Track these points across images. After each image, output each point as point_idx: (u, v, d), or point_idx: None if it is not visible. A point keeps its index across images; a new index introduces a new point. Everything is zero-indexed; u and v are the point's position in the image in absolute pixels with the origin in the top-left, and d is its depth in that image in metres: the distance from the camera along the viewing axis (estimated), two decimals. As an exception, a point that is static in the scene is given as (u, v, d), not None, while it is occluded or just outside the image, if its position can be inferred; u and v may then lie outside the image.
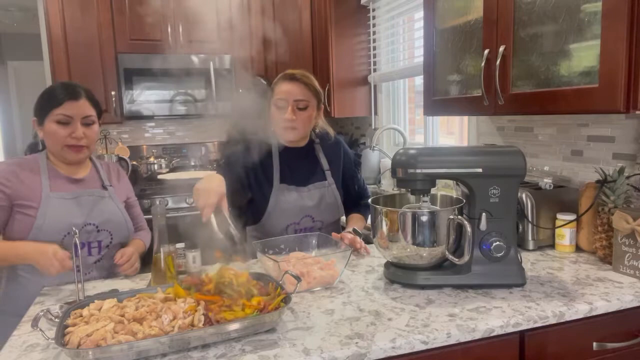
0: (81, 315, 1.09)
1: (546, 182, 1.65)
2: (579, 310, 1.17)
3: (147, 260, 1.53)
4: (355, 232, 1.71)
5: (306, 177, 1.76)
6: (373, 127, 3.41)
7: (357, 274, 1.47)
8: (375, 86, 3.36)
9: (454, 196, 1.48)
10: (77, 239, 1.28)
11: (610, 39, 1.20)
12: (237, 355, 0.99)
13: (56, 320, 1.09)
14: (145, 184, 3.45)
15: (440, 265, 1.36)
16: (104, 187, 1.64)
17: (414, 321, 1.12)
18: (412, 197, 1.47)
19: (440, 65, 1.91)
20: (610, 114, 1.60)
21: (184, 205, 3.14)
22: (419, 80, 2.83)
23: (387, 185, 3.11)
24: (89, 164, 1.67)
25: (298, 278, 1.19)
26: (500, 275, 1.30)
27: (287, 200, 1.71)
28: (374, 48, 3.29)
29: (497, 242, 1.28)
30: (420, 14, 2.62)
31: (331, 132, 1.86)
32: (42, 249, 1.38)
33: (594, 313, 1.19)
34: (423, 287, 1.32)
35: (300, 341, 1.04)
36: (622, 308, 1.22)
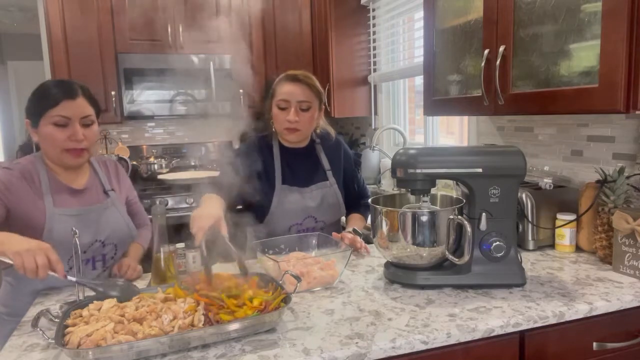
0: (81, 315, 1.09)
1: (546, 182, 1.65)
2: (579, 310, 1.17)
3: (147, 260, 1.53)
4: (355, 232, 1.71)
5: (308, 177, 1.77)
6: (373, 127, 3.41)
7: (357, 274, 1.47)
8: (375, 86, 3.36)
9: (454, 196, 1.48)
10: (77, 239, 1.28)
11: (610, 39, 1.20)
12: (237, 355, 0.99)
13: (56, 320, 1.09)
14: (145, 184, 3.45)
15: (440, 265, 1.36)
16: (106, 192, 1.56)
17: (414, 321, 1.12)
18: (412, 197, 1.47)
19: (440, 65, 1.91)
20: (610, 114, 1.60)
21: (184, 205, 3.14)
22: (419, 80, 2.83)
23: (387, 185, 3.11)
24: (88, 167, 1.57)
25: (298, 278, 1.19)
26: (500, 275, 1.30)
27: (290, 201, 1.71)
28: (374, 48, 3.29)
29: (497, 242, 1.28)
30: (420, 14, 2.62)
31: (332, 132, 1.86)
32: (27, 243, 1.16)
33: (594, 313, 1.19)
34: (423, 287, 1.31)
35: (300, 341, 1.04)
36: (622, 308, 1.22)
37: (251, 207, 1.72)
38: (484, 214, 1.29)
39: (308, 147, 1.80)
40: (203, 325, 1.04)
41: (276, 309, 1.09)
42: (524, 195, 1.61)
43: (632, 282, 1.33)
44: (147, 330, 1.01)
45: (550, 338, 1.19)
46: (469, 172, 1.28)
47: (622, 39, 1.17)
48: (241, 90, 3.47)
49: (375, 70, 3.31)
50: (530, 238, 1.62)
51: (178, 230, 1.51)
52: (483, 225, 1.29)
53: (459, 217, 1.28)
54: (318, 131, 1.83)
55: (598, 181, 1.50)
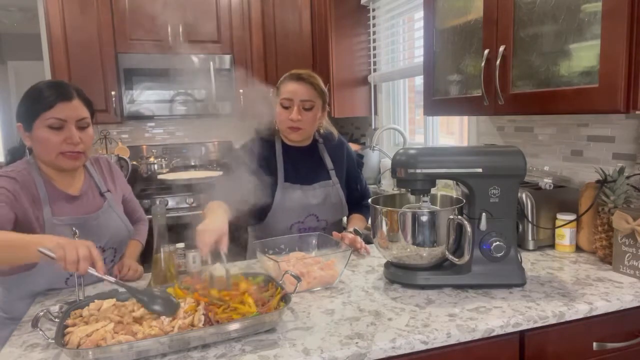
0: (81, 315, 1.09)
1: (546, 182, 1.65)
2: (579, 310, 1.17)
3: (147, 259, 1.53)
4: (355, 232, 1.71)
5: (311, 176, 1.77)
6: (373, 127, 3.41)
7: (357, 274, 1.47)
8: (375, 86, 3.36)
9: (454, 196, 1.48)
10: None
11: (610, 39, 1.20)
12: (237, 355, 0.99)
13: (56, 320, 1.09)
14: (145, 184, 3.45)
15: (440, 265, 1.36)
16: (102, 195, 1.54)
17: (414, 321, 1.12)
18: (412, 197, 1.47)
19: (440, 65, 1.91)
20: (610, 114, 1.60)
21: (184, 205, 3.14)
22: (419, 80, 2.83)
23: (387, 185, 3.11)
24: (82, 171, 1.53)
25: (298, 278, 1.19)
26: (500, 275, 1.30)
27: (292, 199, 1.71)
28: (374, 48, 3.29)
29: (497, 242, 1.28)
30: (420, 14, 2.62)
31: (335, 132, 1.87)
32: (71, 239, 1.15)
33: (594, 313, 1.19)
34: (423, 287, 1.31)
35: (300, 341, 1.04)
36: (622, 308, 1.22)
37: (253, 206, 1.72)
38: (484, 214, 1.29)
39: (311, 146, 1.81)
40: (203, 325, 1.04)
41: (276, 309, 1.09)
42: (524, 195, 1.61)
43: (632, 282, 1.33)
44: (147, 330, 1.01)
45: (550, 338, 1.19)
46: (469, 172, 1.28)
47: (622, 39, 1.17)
48: (241, 90, 3.48)
49: (375, 70, 3.31)
50: (530, 238, 1.62)
51: (178, 230, 1.51)
52: (483, 225, 1.29)
53: (459, 217, 1.28)
54: (321, 131, 1.84)
55: (598, 181, 1.50)
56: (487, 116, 2.18)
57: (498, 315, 1.14)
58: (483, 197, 1.29)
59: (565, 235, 1.59)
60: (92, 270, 1.10)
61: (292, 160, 1.76)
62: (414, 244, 1.29)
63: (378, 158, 3.23)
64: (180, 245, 1.50)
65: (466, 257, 1.26)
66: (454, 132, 2.90)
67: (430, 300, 1.24)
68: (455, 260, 1.28)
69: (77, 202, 1.47)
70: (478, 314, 1.15)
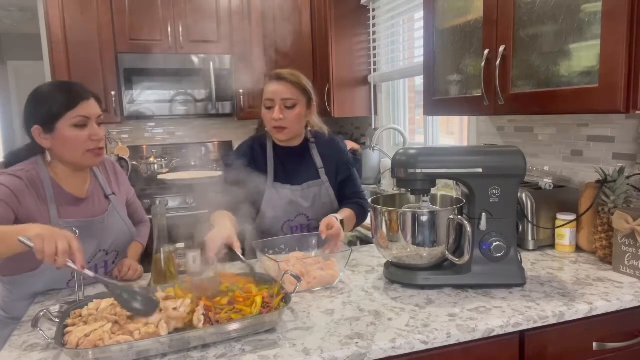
0: (80, 315, 1.09)
1: (546, 182, 1.65)
2: (579, 310, 1.17)
3: (147, 259, 1.53)
4: (341, 222, 1.66)
5: (300, 175, 1.77)
6: (373, 127, 3.41)
7: (357, 274, 1.47)
8: (375, 86, 3.36)
9: (454, 196, 1.48)
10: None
11: (610, 39, 1.20)
12: (237, 355, 0.99)
13: (56, 320, 1.09)
14: (145, 184, 3.45)
15: (440, 265, 1.36)
16: (107, 197, 1.54)
17: (414, 321, 1.12)
18: (412, 197, 1.47)
19: (440, 65, 1.91)
20: (610, 114, 1.60)
21: (184, 205, 3.14)
22: (419, 80, 2.83)
23: (387, 185, 3.11)
24: (88, 173, 1.53)
25: (298, 278, 1.19)
26: (500, 275, 1.30)
27: (280, 198, 1.72)
28: (374, 48, 3.29)
29: (497, 242, 1.28)
30: (420, 14, 2.62)
31: (325, 129, 1.86)
32: (51, 229, 1.13)
33: (594, 313, 1.19)
34: (423, 287, 1.31)
35: (300, 341, 1.04)
36: (622, 308, 1.22)
37: (245, 207, 1.72)
38: (484, 214, 1.29)
39: (302, 146, 1.81)
40: (203, 325, 1.04)
41: (276, 309, 1.09)
42: (524, 195, 1.61)
43: (632, 282, 1.33)
44: (144, 328, 1.01)
45: (550, 338, 1.18)
46: (469, 172, 1.28)
47: (622, 39, 1.17)
48: (241, 90, 3.48)
49: (375, 70, 3.31)
50: (530, 238, 1.62)
51: (178, 230, 1.51)
52: (483, 225, 1.29)
53: (459, 217, 1.28)
54: (312, 130, 1.83)
55: (598, 181, 1.50)
56: (487, 116, 2.18)
57: (498, 315, 1.14)
58: (483, 197, 1.29)
59: (565, 235, 1.59)
60: (70, 264, 1.08)
61: (281, 161, 1.76)
62: (414, 244, 1.29)
63: (378, 158, 3.23)
64: (180, 245, 1.51)
65: (466, 257, 1.26)
66: (454, 132, 2.90)
67: (430, 300, 1.24)
68: (455, 260, 1.28)
69: (84, 204, 1.47)
70: (478, 314, 1.15)
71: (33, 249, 1.07)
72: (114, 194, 1.57)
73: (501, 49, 1.52)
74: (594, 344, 1.23)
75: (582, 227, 1.58)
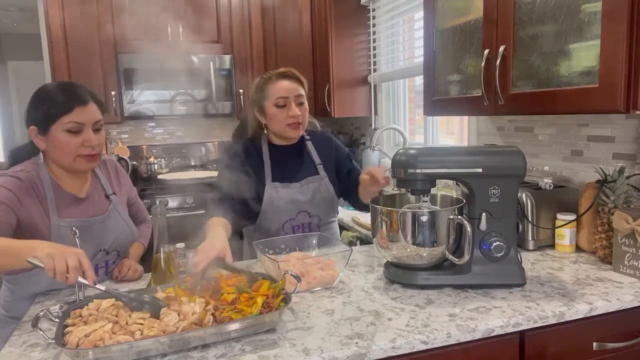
0: (80, 315, 1.09)
1: (546, 182, 1.65)
2: (579, 310, 1.17)
3: (147, 259, 1.53)
4: None
5: (298, 173, 1.77)
6: (373, 127, 3.41)
7: (357, 274, 1.47)
8: (375, 86, 3.36)
9: (454, 196, 1.48)
10: (77, 239, 1.28)
11: (610, 39, 1.20)
12: (237, 355, 0.99)
13: (56, 320, 1.09)
14: (145, 184, 3.45)
15: (440, 265, 1.36)
16: (107, 197, 1.54)
17: (414, 321, 1.12)
18: (412, 197, 1.47)
19: (440, 65, 1.91)
20: (610, 114, 1.60)
21: (184, 205, 3.14)
22: (419, 80, 2.83)
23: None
24: (89, 172, 1.53)
25: (298, 278, 1.19)
26: (500, 275, 1.30)
27: (280, 197, 1.72)
28: (374, 48, 3.29)
29: (497, 242, 1.28)
30: (420, 14, 2.62)
31: (316, 122, 1.88)
32: (60, 247, 1.14)
33: (594, 313, 1.19)
34: (423, 287, 1.31)
35: (300, 341, 1.04)
36: (622, 308, 1.22)
37: (244, 209, 1.72)
38: (484, 214, 1.29)
39: (298, 144, 1.81)
40: (212, 324, 1.04)
41: (276, 309, 1.09)
42: (524, 195, 1.61)
43: (632, 282, 1.33)
44: (146, 331, 1.01)
45: (550, 338, 1.19)
46: (469, 172, 1.28)
47: (622, 39, 1.17)
48: (241, 90, 3.48)
49: (375, 70, 3.31)
50: (530, 238, 1.62)
51: (178, 230, 1.51)
52: (483, 225, 1.29)
53: (459, 217, 1.28)
54: (307, 128, 1.84)
55: (598, 181, 1.50)
56: (487, 116, 2.18)
57: (498, 315, 1.14)
58: (483, 197, 1.29)
59: (565, 235, 1.59)
60: (82, 280, 1.10)
61: (278, 160, 1.77)
62: (414, 244, 1.29)
63: (378, 158, 3.23)
64: (180, 245, 1.51)
65: (466, 257, 1.26)
66: (454, 132, 2.90)
67: (430, 300, 1.24)
68: (455, 260, 1.28)
69: (84, 204, 1.47)
70: (478, 314, 1.15)
71: (43, 269, 1.08)
72: (114, 193, 1.57)
73: (501, 49, 1.52)
74: (594, 344, 1.23)
75: (582, 227, 1.58)
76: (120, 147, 3.58)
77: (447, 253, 1.29)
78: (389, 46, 3.17)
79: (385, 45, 3.19)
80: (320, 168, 1.80)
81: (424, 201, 1.33)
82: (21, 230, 1.33)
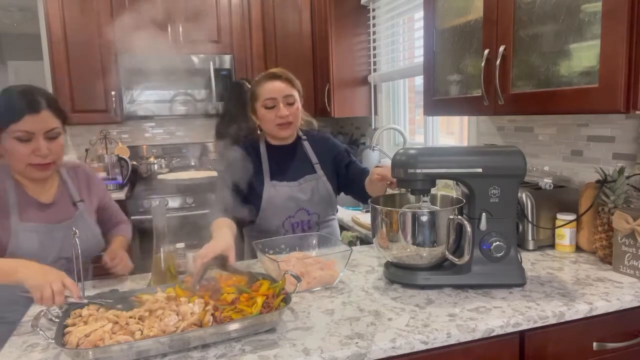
0: (80, 315, 1.09)
1: (546, 182, 1.65)
2: (579, 310, 1.17)
3: (147, 259, 1.53)
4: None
5: (296, 172, 1.78)
6: (373, 127, 3.41)
7: (357, 274, 1.47)
8: (375, 86, 3.36)
9: (454, 196, 1.48)
10: (77, 239, 1.28)
11: (610, 39, 1.20)
12: (237, 355, 0.99)
13: (56, 320, 1.09)
14: (145, 184, 3.45)
15: (440, 265, 1.36)
16: (75, 204, 1.51)
17: (414, 321, 1.12)
18: (412, 197, 1.47)
19: (440, 65, 1.91)
20: (610, 114, 1.60)
21: (184, 205, 3.14)
22: (419, 80, 2.83)
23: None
24: (56, 178, 1.51)
25: (298, 278, 1.19)
26: (500, 275, 1.30)
27: (279, 195, 1.73)
28: (374, 48, 3.29)
29: (497, 242, 1.28)
30: (420, 14, 2.62)
31: (315, 123, 1.89)
32: (43, 275, 1.17)
33: (594, 313, 1.19)
34: (423, 287, 1.31)
35: (300, 341, 1.04)
36: (622, 308, 1.22)
37: (243, 207, 1.73)
38: (484, 214, 1.29)
39: (295, 143, 1.83)
40: (212, 324, 1.04)
41: (276, 309, 1.09)
42: (524, 195, 1.61)
43: (632, 282, 1.33)
44: (146, 331, 1.01)
45: (550, 338, 1.19)
46: (469, 172, 1.28)
47: (622, 39, 1.17)
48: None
49: (375, 70, 3.31)
50: (530, 238, 1.62)
51: (178, 230, 1.51)
52: (483, 225, 1.29)
53: (459, 217, 1.28)
54: (300, 127, 1.85)
55: (598, 181, 1.50)
56: (487, 116, 2.18)
57: (498, 315, 1.14)
58: (483, 197, 1.29)
59: (565, 235, 1.59)
60: (70, 299, 1.15)
61: (276, 160, 1.78)
62: (414, 244, 1.29)
63: (378, 158, 3.23)
64: (180, 245, 1.51)
65: (466, 257, 1.26)
66: (454, 132, 2.90)
67: (430, 300, 1.24)
68: (455, 260, 1.28)
69: (48, 209, 1.45)
70: (478, 314, 1.15)
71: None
72: (82, 200, 1.54)
73: (501, 49, 1.52)
74: (594, 344, 1.23)
75: (582, 227, 1.58)
76: (120, 147, 3.57)
77: (447, 253, 1.29)
78: (389, 46, 3.17)
79: (385, 45, 3.19)
80: (318, 167, 1.81)
81: (424, 201, 1.33)
82: None
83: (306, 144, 1.84)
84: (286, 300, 1.12)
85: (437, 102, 1.93)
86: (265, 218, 1.74)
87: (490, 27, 1.58)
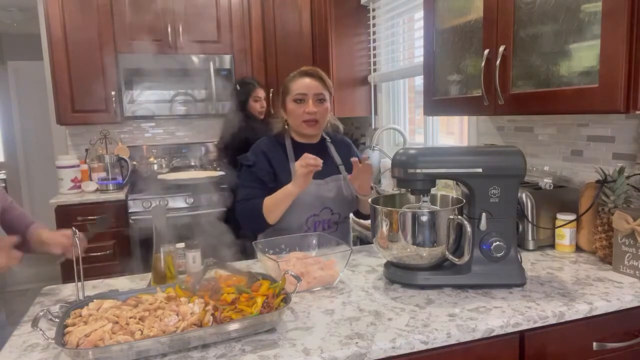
0: (80, 315, 1.09)
1: (546, 182, 1.65)
2: (579, 310, 1.17)
3: (147, 259, 1.52)
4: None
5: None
6: (373, 127, 3.41)
7: (357, 274, 1.47)
8: (375, 86, 3.36)
9: (454, 196, 1.48)
10: (77, 239, 1.28)
11: (610, 39, 1.20)
12: (237, 355, 0.99)
13: (56, 320, 1.09)
14: (145, 184, 3.45)
15: (440, 265, 1.36)
16: None
17: (414, 321, 1.12)
18: (412, 197, 1.47)
19: (440, 65, 1.91)
20: (610, 114, 1.60)
21: (184, 205, 3.14)
22: (419, 80, 2.83)
23: (387, 185, 3.11)
24: None
25: (298, 278, 1.19)
26: (500, 275, 1.30)
27: (307, 192, 1.71)
28: (374, 48, 3.29)
29: (497, 242, 1.28)
30: (420, 14, 2.62)
31: (340, 126, 1.92)
32: None
33: (594, 313, 1.19)
34: (423, 287, 1.31)
35: (300, 341, 1.04)
36: (622, 308, 1.22)
37: None
38: (484, 214, 1.29)
39: (320, 143, 1.84)
40: (212, 324, 1.04)
41: (276, 309, 1.09)
42: (524, 195, 1.61)
43: (632, 282, 1.33)
44: (146, 331, 1.01)
45: (550, 338, 1.19)
46: (469, 172, 1.28)
47: (622, 39, 1.17)
48: (238, 87, 3.48)
49: (375, 70, 3.31)
50: (530, 238, 1.62)
51: (178, 230, 1.51)
52: (483, 225, 1.29)
53: (459, 217, 1.28)
54: (328, 130, 1.88)
55: (598, 181, 1.50)
56: (487, 116, 2.18)
57: (498, 315, 1.14)
58: (483, 197, 1.29)
59: (565, 235, 1.59)
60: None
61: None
62: (414, 244, 1.29)
63: (378, 158, 3.23)
64: (180, 245, 1.50)
65: (466, 257, 1.26)
66: (454, 132, 2.90)
67: (430, 300, 1.24)
68: (455, 260, 1.28)
69: None
70: (478, 314, 1.15)
71: None
72: None
73: (501, 49, 1.52)
74: (594, 344, 1.23)
75: (582, 227, 1.58)
76: (120, 147, 3.57)
77: (447, 253, 1.29)
78: (389, 46, 3.17)
79: (385, 45, 3.19)
80: (342, 169, 1.83)
81: (424, 201, 1.33)
82: None
83: (330, 146, 1.86)
84: (286, 300, 1.12)
85: (437, 102, 1.93)
86: (290, 214, 1.71)
87: (490, 27, 1.58)
